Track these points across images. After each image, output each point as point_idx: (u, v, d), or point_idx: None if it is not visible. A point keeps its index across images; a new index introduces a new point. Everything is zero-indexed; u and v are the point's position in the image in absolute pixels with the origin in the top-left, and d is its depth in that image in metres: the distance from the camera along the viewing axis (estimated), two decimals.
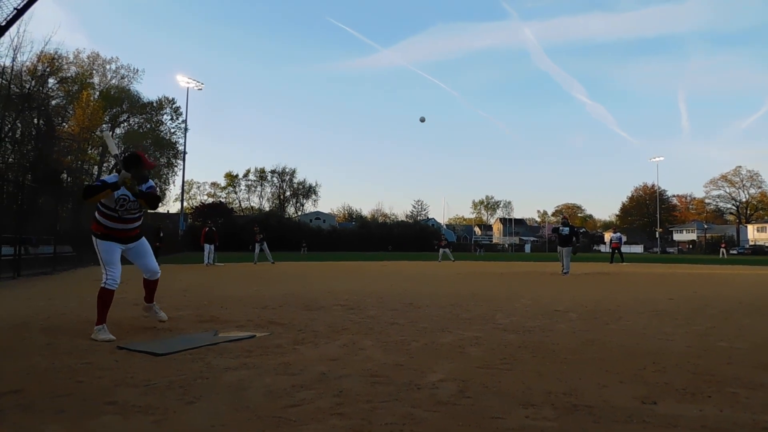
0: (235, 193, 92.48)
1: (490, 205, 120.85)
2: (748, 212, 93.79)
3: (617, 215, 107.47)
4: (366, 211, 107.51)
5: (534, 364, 3.83)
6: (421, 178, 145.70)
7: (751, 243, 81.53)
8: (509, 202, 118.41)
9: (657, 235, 78.07)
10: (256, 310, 6.64)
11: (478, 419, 2.60)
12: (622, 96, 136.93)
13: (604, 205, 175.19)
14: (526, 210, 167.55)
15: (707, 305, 7.65)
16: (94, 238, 5.03)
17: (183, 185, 52.52)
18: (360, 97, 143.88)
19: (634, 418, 2.60)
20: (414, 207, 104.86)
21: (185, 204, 59.78)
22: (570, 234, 16.74)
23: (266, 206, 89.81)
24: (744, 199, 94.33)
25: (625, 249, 28.99)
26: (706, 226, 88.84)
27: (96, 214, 5.09)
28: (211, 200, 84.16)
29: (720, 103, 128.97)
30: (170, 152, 54.77)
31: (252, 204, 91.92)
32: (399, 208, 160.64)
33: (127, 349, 4.22)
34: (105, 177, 5.10)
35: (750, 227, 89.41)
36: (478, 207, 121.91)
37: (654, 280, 13.82)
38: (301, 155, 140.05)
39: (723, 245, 52.85)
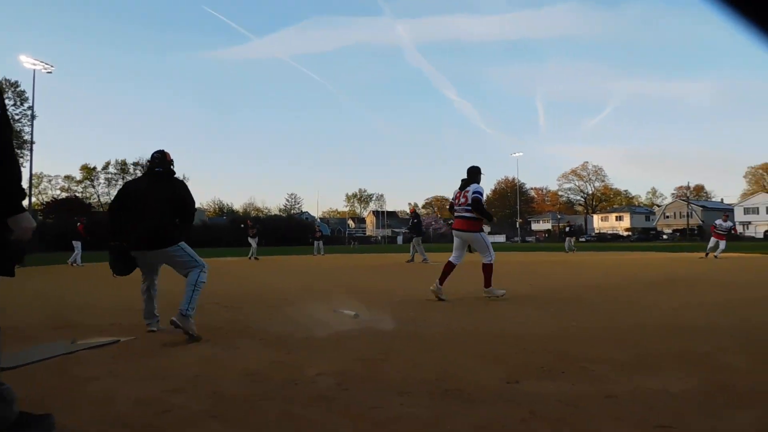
0: (93, 187, 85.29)
1: (364, 198, 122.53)
2: (594, 203, 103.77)
3: None
4: (238, 205, 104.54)
5: (410, 353, 3.97)
6: (295, 171, 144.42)
7: (596, 231, 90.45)
8: (382, 195, 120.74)
9: (517, 225, 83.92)
10: (120, 313, 6.23)
11: (357, 410, 2.65)
12: (487, 94, 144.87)
13: None
14: (398, 203, 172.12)
15: (561, 289, 8.38)
16: (481, 234, 7.26)
17: (31, 179, 47.44)
18: (230, 87, 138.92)
19: (500, 398, 2.80)
20: (288, 200, 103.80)
21: (34, 200, 54.08)
22: (418, 223, 18.62)
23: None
24: (590, 192, 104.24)
25: (489, 239, 31.05)
26: (559, 217, 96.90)
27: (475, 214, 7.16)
28: (65, 195, 76.92)
29: (571, 105, 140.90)
30: (14, 142, 49.30)
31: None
32: (272, 202, 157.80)
33: None
34: None
35: (596, 217, 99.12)
36: (352, 200, 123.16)
37: (516, 269, 14.84)
38: (166, 147, 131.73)
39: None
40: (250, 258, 22.91)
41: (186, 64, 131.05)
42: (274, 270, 15.52)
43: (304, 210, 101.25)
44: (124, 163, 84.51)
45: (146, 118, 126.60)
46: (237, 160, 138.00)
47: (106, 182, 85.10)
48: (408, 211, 19.98)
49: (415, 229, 18.77)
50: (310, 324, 5.27)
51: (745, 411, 2.55)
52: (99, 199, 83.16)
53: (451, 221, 7.49)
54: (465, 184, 7.33)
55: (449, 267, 7.34)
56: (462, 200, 7.25)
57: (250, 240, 23.55)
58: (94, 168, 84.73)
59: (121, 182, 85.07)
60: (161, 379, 3.27)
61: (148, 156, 5.14)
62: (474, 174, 7.37)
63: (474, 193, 7.10)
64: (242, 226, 24.36)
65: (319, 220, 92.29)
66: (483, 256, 7.27)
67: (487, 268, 7.23)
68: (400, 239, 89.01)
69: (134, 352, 4.13)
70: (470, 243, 7.32)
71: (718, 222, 20.36)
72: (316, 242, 28.67)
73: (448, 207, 7.67)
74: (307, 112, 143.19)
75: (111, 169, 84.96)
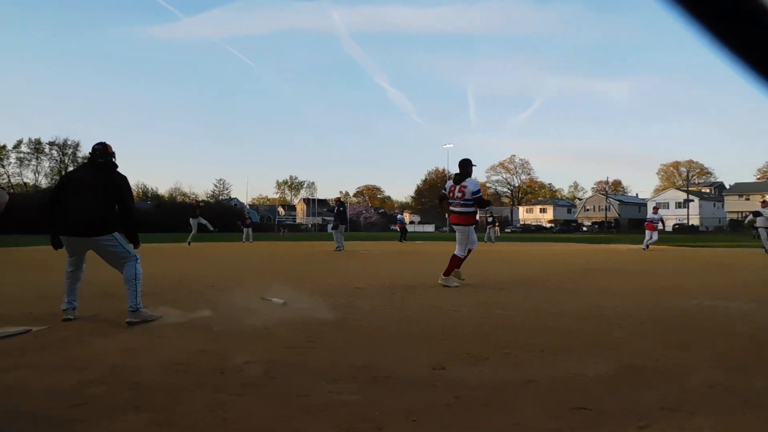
0: (3, 167, 79.65)
1: (294, 186, 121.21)
2: (520, 196, 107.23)
3: (413, 197, 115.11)
4: (163, 189, 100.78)
5: (339, 340, 3.98)
6: (224, 156, 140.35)
7: (521, 223, 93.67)
8: (313, 183, 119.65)
9: (446, 216, 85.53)
10: (31, 301, 5.87)
11: (285, 398, 2.63)
12: (420, 85, 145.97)
13: (401, 187, 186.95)
14: (329, 191, 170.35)
15: (487, 278, 8.63)
16: (470, 228, 7.56)
17: None
18: (155, 66, 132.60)
19: (427, 384, 2.86)
20: (216, 186, 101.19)
21: None
22: (344, 212, 18.69)
23: (44, 183, 78.82)
24: (517, 184, 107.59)
25: (419, 228, 31.78)
26: (487, 208, 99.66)
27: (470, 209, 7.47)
28: None
29: (501, 98, 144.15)
30: None
31: (26, 180, 79.92)
32: (200, 187, 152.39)
33: None
34: None
35: (521, 208, 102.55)
36: (282, 187, 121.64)
37: (444, 257, 15.14)
38: (87, 127, 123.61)
39: (496, 224, 60.07)
40: (188, 243, 20.61)
41: (108, 40, 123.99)
42: (200, 257, 15.10)
43: (233, 196, 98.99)
44: (38, 142, 79.41)
45: (64, 96, 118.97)
46: (163, 142, 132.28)
47: (18, 162, 79.70)
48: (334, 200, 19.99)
49: (339, 217, 18.84)
50: (238, 312, 5.17)
51: (652, 391, 2.73)
52: (9, 180, 77.81)
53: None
54: (459, 178, 7.52)
55: (454, 258, 7.53)
56: (458, 194, 7.45)
57: (192, 221, 21.44)
58: (4, 146, 79.11)
59: (35, 162, 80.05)
60: (77, 370, 3.12)
61: (66, 136, 5.00)
62: (465, 167, 7.57)
63: (474, 193, 7.41)
64: (194, 203, 22.91)
65: (248, 206, 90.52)
66: (459, 246, 7.49)
67: (456, 260, 7.43)
68: (330, 227, 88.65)
69: (48, 341, 3.92)
70: (457, 233, 7.56)
71: (650, 215, 20.77)
72: (245, 229, 27.98)
73: (438, 198, 8.01)
74: (238, 96, 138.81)
75: (23, 149, 79.61)
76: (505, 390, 2.77)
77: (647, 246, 19.50)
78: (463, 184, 7.46)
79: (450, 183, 7.72)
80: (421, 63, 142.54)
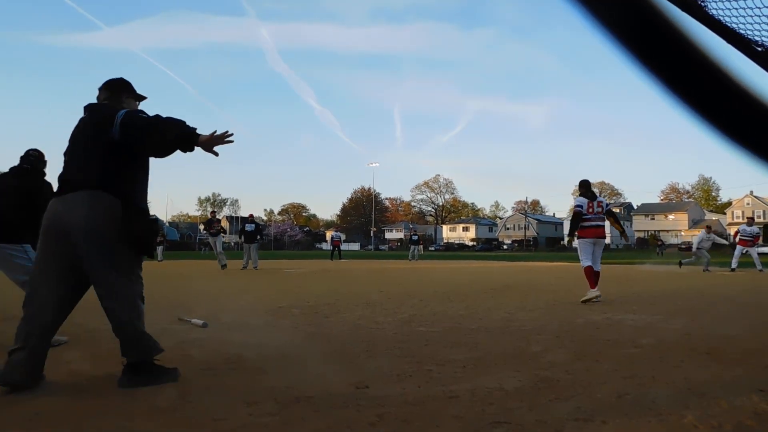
0: None
1: (217, 203, 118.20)
2: (444, 214, 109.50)
3: (338, 215, 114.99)
4: None
5: (258, 361, 3.87)
6: None
7: (445, 241, 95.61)
8: (236, 200, 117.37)
9: (372, 234, 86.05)
10: None
11: (200, 422, 2.52)
12: (347, 104, 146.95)
13: (327, 205, 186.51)
14: (252, 208, 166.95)
15: (410, 295, 8.70)
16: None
17: None
18: (74, 75, 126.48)
19: (350, 403, 2.82)
20: None
21: None
22: (255, 230, 18.45)
23: None
24: (441, 203, 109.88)
25: (344, 246, 31.76)
26: (411, 226, 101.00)
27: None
28: None
29: (427, 119, 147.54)
30: None
31: None
32: None
33: None
34: None
35: (445, 227, 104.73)
36: (204, 204, 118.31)
37: (368, 275, 15.17)
38: None
39: (420, 242, 60.73)
40: (223, 267, 17.31)
41: (20, 46, 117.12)
42: None
43: (152, 213, 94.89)
44: None
45: None
46: None
47: None
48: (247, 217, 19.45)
49: (247, 234, 18.61)
50: (153, 333, 4.91)
51: (566, 402, 2.82)
52: None
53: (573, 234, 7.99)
54: (592, 195, 7.96)
55: (593, 271, 7.72)
56: (598, 209, 7.80)
57: (210, 239, 19.06)
58: None
59: None
60: None
61: None
62: (590, 186, 8.20)
63: (607, 205, 7.95)
64: (212, 216, 19.89)
65: (167, 224, 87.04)
66: (598, 261, 7.86)
67: (597, 274, 7.78)
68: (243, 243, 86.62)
69: None
70: (597, 246, 7.81)
71: (742, 227, 17.23)
72: (158, 246, 26.79)
73: (574, 217, 8.02)
74: (160, 109, 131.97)
75: None
76: (428, 406, 2.78)
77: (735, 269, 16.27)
78: (599, 199, 7.90)
79: (584, 200, 7.92)
80: (349, 82, 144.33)
